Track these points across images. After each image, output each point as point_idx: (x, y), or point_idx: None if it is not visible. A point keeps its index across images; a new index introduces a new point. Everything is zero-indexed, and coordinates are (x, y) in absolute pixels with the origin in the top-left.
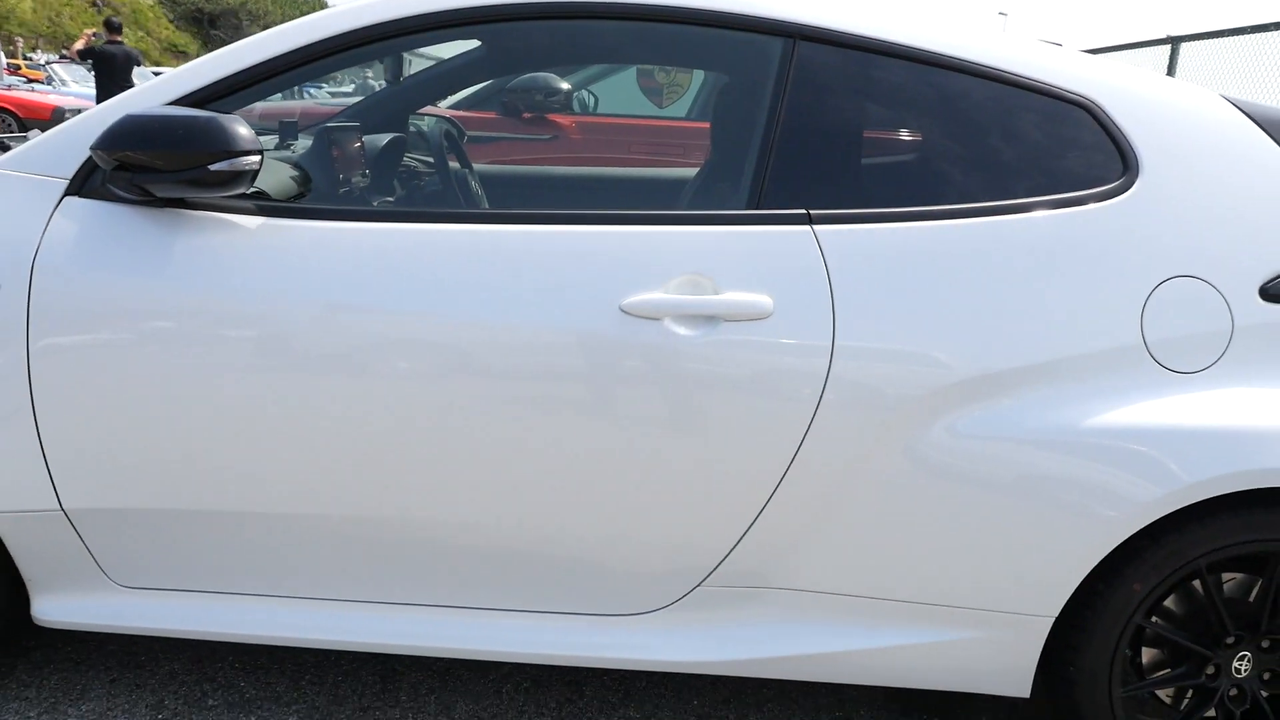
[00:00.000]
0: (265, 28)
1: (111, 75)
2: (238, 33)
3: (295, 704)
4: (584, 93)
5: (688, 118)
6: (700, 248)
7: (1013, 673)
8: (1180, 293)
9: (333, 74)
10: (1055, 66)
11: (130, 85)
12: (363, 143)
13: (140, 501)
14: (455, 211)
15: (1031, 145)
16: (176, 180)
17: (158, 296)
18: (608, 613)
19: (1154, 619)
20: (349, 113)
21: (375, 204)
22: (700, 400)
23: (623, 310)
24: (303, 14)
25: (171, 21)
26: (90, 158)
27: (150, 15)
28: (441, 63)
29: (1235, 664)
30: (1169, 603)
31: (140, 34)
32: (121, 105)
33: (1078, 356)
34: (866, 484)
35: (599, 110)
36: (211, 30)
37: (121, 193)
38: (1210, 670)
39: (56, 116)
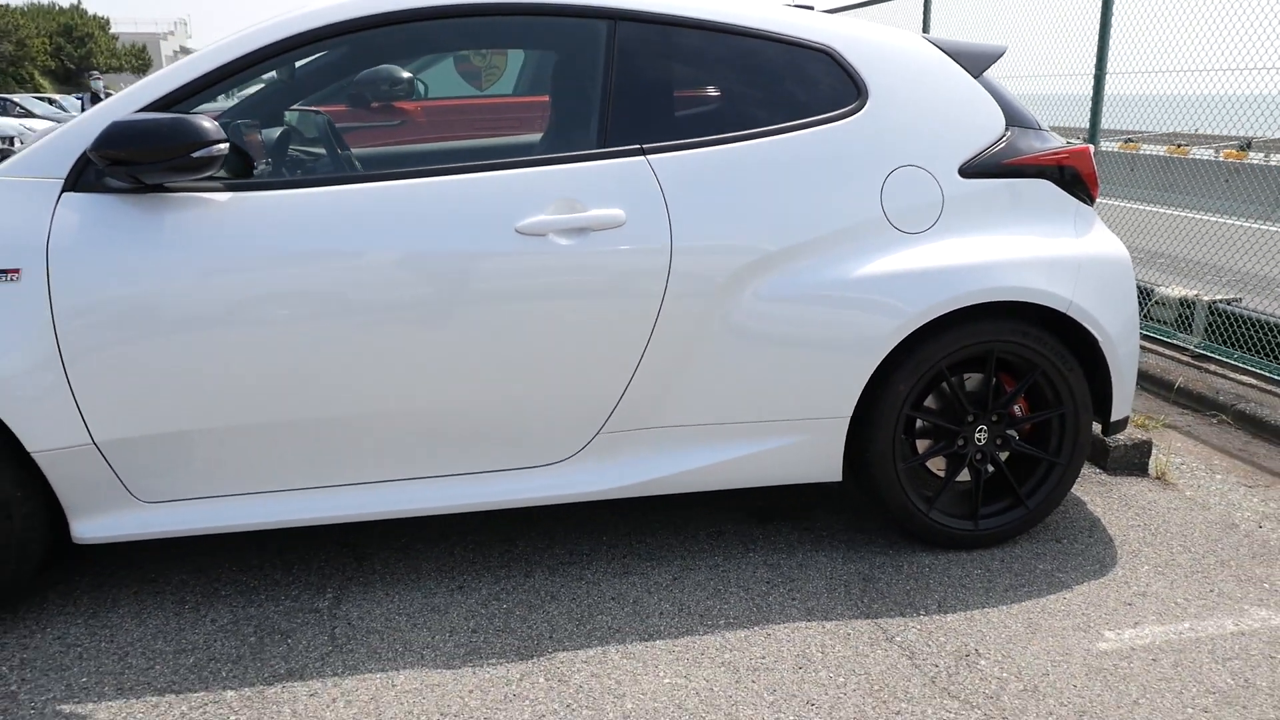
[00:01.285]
0: (19, 43)
1: None
2: None
3: (291, 585)
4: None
5: (515, 94)
6: (569, 179)
7: (827, 463)
8: (905, 177)
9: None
10: (804, 24)
11: None
12: (261, 132)
13: (157, 427)
14: (384, 171)
15: (792, 83)
16: (166, 168)
17: (153, 261)
18: (532, 464)
19: (919, 409)
20: (234, 111)
21: (316, 174)
22: (582, 291)
23: (517, 231)
24: (59, 28)
25: None
26: (80, 158)
27: None
28: (308, 63)
29: (976, 435)
30: (929, 401)
31: None
32: (102, 115)
33: (839, 230)
34: (706, 340)
35: (430, 95)
36: None
37: (118, 183)
38: (960, 442)
39: None
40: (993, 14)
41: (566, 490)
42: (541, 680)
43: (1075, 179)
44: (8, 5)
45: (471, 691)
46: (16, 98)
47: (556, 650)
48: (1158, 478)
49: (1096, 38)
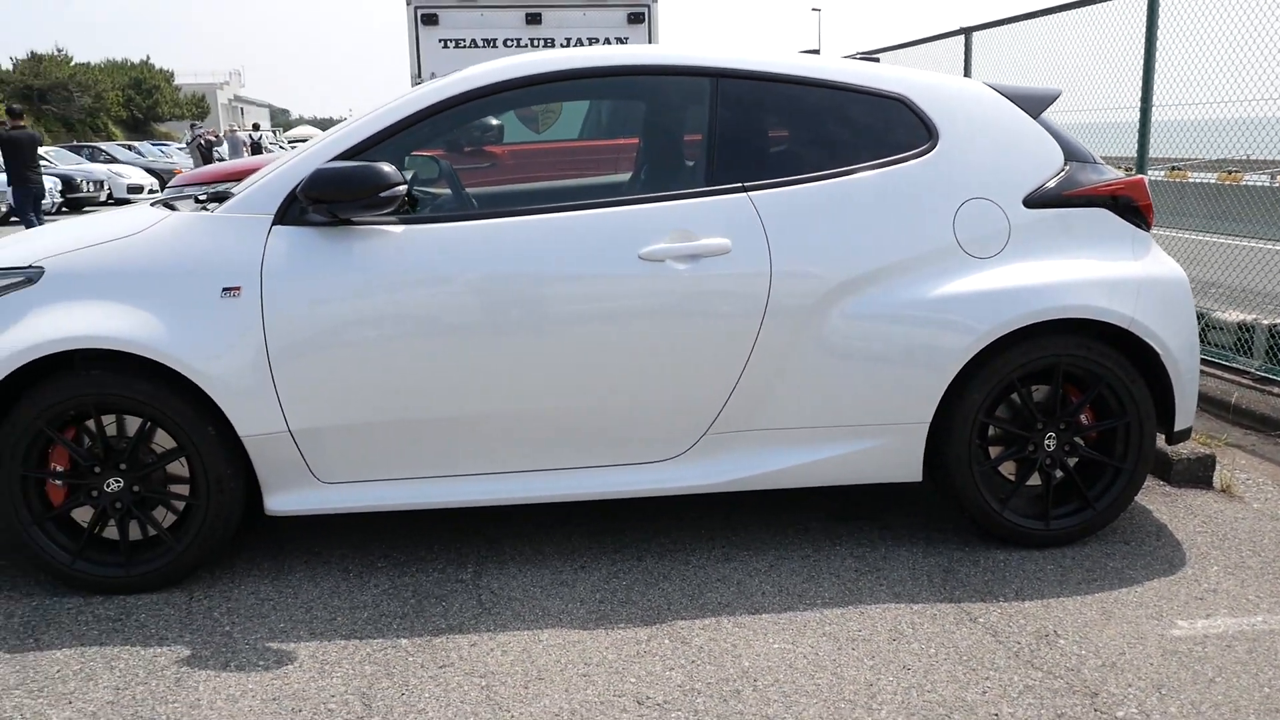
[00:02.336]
0: (97, 97)
1: (19, 157)
2: (69, 104)
3: (435, 560)
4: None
5: (580, 138)
6: (683, 213)
7: (909, 465)
8: (975, 208)
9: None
10: (880, 75)
11: (37, 163)
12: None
13: (339, 419)
14: (527, 206)
15: (872, 127)
16: (359, 206)
17: (343, 281)
18: (649, 460)
19: (991, 417)
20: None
21: (465, 208)
22: (695, 310)
23: (640, 257)
24: (130, 81)
25: (2, 101)
26: (287, 198)
27: None
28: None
29: (1045, 441)
30: (1001, 410)
31: None
32: (303, 164)
33: (917, 255)
34: (800, 353)
35: (506, 139)
36: (43, 105)
37: (317, 218)
38: (1030, 448)
39: None
40: (1027, 54)
41: (677, 483)
42: (666, 642)
43: (1132, 207)
44: (88, 63)
45: (608, 648)
46: (104, 145)
47: (675, 619)
48: (1223, 490)
49: (1141, 72)
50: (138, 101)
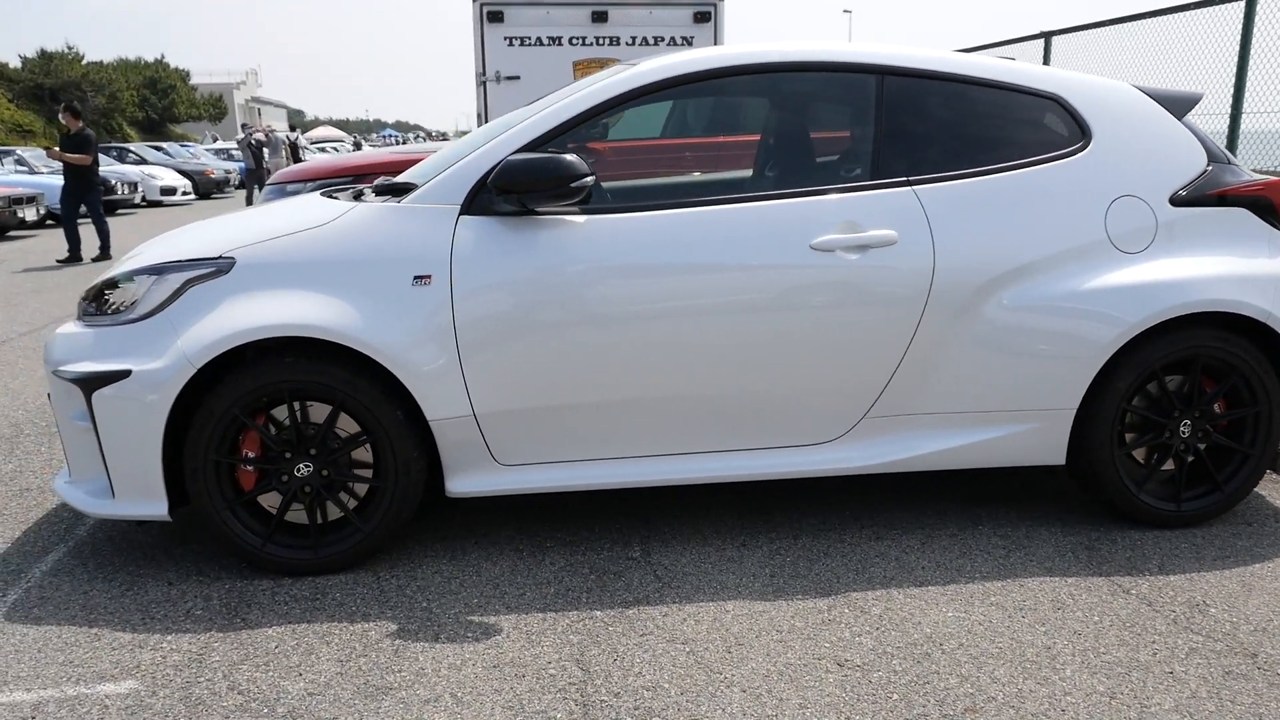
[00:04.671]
0: (111, 97)
1: (95, 157)
2: (82, 105)
3: (601, 541)
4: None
5: (663, 135)
6: (851, 205)
7: (1054, 448)
8: (1125, 205)
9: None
10: (1036, 74)
11: (97, 160)
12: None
13: (520, 403)
14: (699, 198)
15: (1030, 125)
16: (550, 196)
17: (530, 269)
18: (809, 442)
19: (1133, 404)
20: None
21: (644, 199)
22: (862, 298)
23: (811, 247)
24: (145, 80)
25: (11, 101)
26: (474, 188)
27: None
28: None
29: (1180, 429)
30: (1136, 399)
31: None
32: (488, 156)
33: (1070, 249)
34: (958, 340)
35: (610, 136)
36: (54, 105)
37: (503, 208)
38: (1166, 434)
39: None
40: (1107, 56)
41: (837, 464)
42: (846, 611)
43: (1269, 208)
44: (100, 61)
45: (794, 617)
46: (133, 147)
47: (848, 591)
48: None
49: (1234, 79)
50: (153, 102)
